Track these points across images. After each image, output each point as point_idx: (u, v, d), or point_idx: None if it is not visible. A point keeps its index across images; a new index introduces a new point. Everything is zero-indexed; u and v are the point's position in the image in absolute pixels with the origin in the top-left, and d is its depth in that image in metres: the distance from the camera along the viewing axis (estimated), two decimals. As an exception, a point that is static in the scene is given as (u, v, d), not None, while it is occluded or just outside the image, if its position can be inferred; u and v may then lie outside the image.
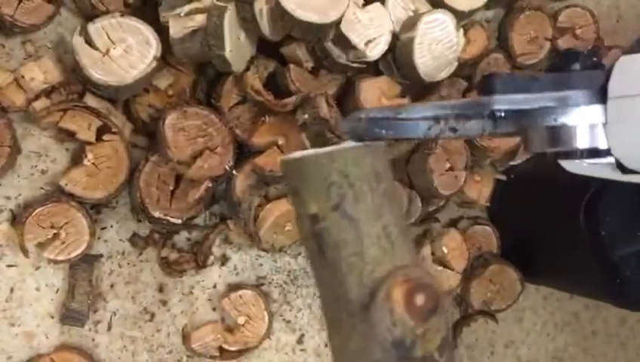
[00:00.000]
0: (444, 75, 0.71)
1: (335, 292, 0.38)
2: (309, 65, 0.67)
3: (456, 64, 0.72)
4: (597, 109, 0.43)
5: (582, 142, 0.44)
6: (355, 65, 0.68)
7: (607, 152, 0.44)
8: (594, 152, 0.44)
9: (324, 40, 0.65)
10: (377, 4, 0.67)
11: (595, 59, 0.45)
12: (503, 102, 0.44)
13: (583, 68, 0.45)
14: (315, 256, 0.39)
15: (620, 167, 0.44)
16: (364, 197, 0.39)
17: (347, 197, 0.39)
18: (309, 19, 0.58)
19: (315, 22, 0.59)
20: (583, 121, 0.44)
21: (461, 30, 0.72)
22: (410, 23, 0.68)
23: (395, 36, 0.68)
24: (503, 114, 0.44)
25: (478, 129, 0.50)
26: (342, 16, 0.61)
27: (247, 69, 0.65)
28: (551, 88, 0.44)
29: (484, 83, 0.45)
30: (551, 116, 0.44)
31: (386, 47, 0.67)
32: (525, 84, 0.45)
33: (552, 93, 0.44)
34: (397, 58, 0.69)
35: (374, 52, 0.67)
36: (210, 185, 0.65)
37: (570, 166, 0.47)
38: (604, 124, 0.43)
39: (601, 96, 0.43)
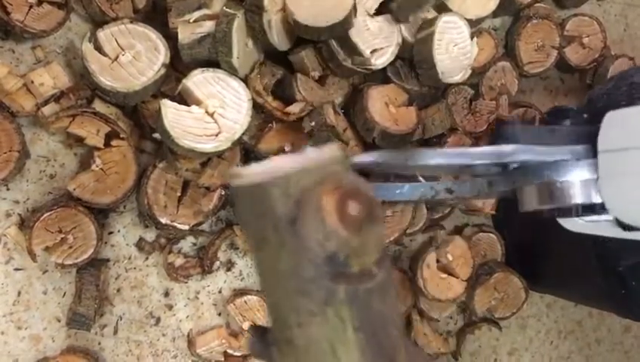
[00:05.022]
0: (458, 78, 0.71)
1: (259, 208, 0.32)
2: (317, 74, 0.67)
3: (470, 71, 0.72)
4: (589, 165, 0.43)
5: (576, 198, 0.43)
6: (360, 69, 0.68)
7: (602, 208, 0.43)
8: (589, 208, 0.43)
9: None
10: (388, 16, 0.67)
11: (585, 115, 0.45)
12: (524, 153, 0.43)
13: (573, 124, 0.45)
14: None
15: (619, 223, 0.44)
16: None
17: None
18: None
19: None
20: (576, 177, 0.43)
21: (474, 39, 0.72)
22: (429, 22, 0.69)
23: (406, 42, 0.69)
24: (516, 165, 0.44)
25: (474, 190, 0.50)
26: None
27: (252, 71, 0.65)
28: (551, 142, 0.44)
29: (498, 131, 0.45)
30: (544, 172, 0.44)
31: (392, 58, 0.68)
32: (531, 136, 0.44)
33: (550, 148, 0.43)
34: (415, 55, 0.70)
35: (379, 61, 0.67)
36: (223, 193, 0.65)
37: (569, 224, 0.46)
38: (597, 179, 0.43)
39: (593, 151, 0.43)
